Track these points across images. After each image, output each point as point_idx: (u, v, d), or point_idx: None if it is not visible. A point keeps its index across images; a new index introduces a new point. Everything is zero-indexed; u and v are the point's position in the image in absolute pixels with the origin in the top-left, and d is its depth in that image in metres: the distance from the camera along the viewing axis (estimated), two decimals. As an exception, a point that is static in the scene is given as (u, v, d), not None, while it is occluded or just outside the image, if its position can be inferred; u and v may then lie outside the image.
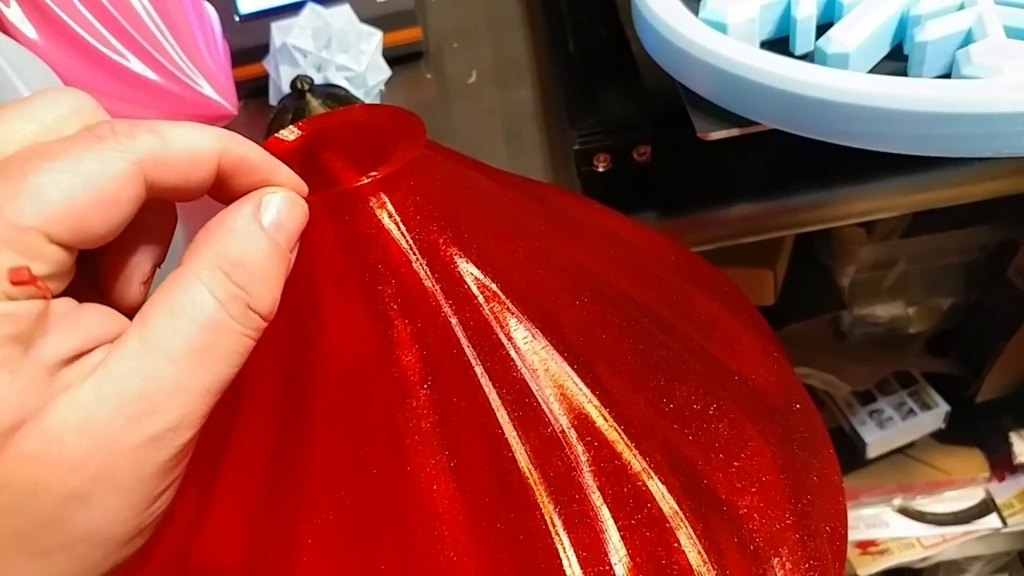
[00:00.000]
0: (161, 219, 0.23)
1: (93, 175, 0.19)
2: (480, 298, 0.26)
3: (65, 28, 0.46)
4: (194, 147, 0.21)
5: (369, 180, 0.25)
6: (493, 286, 0.26)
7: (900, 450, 0.90)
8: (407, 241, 0.25)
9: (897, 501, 0.91)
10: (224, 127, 0.53)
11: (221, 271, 0.21)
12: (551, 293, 0.27)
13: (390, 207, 0.25)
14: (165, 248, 0.24)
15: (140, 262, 0.23)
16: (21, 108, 0.21)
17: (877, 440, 0.87)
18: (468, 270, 0.26)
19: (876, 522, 0.90)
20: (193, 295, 0.20)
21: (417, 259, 0.25)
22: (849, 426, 0.89)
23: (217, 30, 0.54)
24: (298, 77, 0.46)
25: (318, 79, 0.53)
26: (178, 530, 0.27)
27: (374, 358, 0.25)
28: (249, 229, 0.22)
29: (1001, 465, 0.89)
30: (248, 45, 0.56)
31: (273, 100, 0.56)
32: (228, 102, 0.52)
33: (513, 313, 0.26)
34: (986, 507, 0.90)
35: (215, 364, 0.20)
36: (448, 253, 0.26)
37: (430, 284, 0.25)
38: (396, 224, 0.25)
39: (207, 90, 0.51)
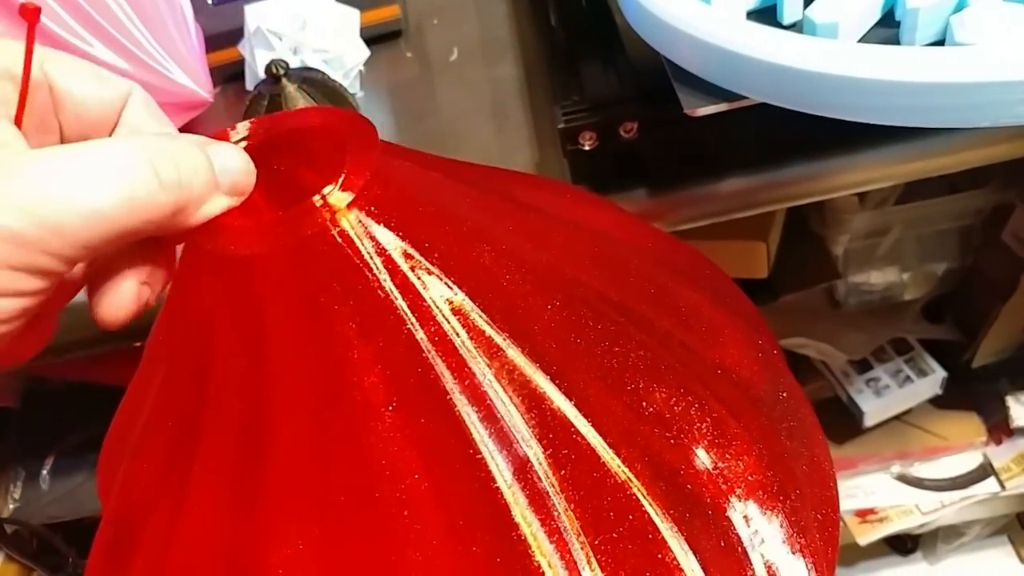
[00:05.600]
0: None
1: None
2: (445, 311, 0.24)
3: (25, 16, 0.45)
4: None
5: (322, 195, 0.24)
6: (458, 297, 0.25)
7: (897, 417, 0.90)
8: (363, 256, 0.24)
9: (895, 468, 0.91)
10: (201, 115, 0.52)
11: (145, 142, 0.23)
12: (521, 299, 0.26)
13: (345, 221, 0.24)
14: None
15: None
16: None
17: (874, 408, 0.87)
18: (431, 282, 0.24)
19: (875, 490, 0.90)
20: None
21: (375, 275, 0.24)
22: (846, 395, 0.89)
23: (189, 14, 0.52)
24: (273, 62, 0.45)
25: (294, 62, 0.51)
26: (148, 557, 0.26)
27: (332, 382, 0.24)
28: (182, 136, 0.24)
29: (998, 429, 0.90)
30: (222, 29, 0.55)
31: (250, 85, 0.54)
32: (203, 89, 0.51)
33: (482, 324, 0.25)
34: (984, 471, 0.90)
35: (99, 187, 0.21)
36: (409, 266, 0.24)
37: (391, 301, 0.24)
38: (353, 239, 0.24)
39: (180, 77, 0.49)
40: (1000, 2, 0.30)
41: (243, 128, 0.27)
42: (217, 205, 0.24)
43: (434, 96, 0.57)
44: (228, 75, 0.57)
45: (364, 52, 0.54)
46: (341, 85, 0.50)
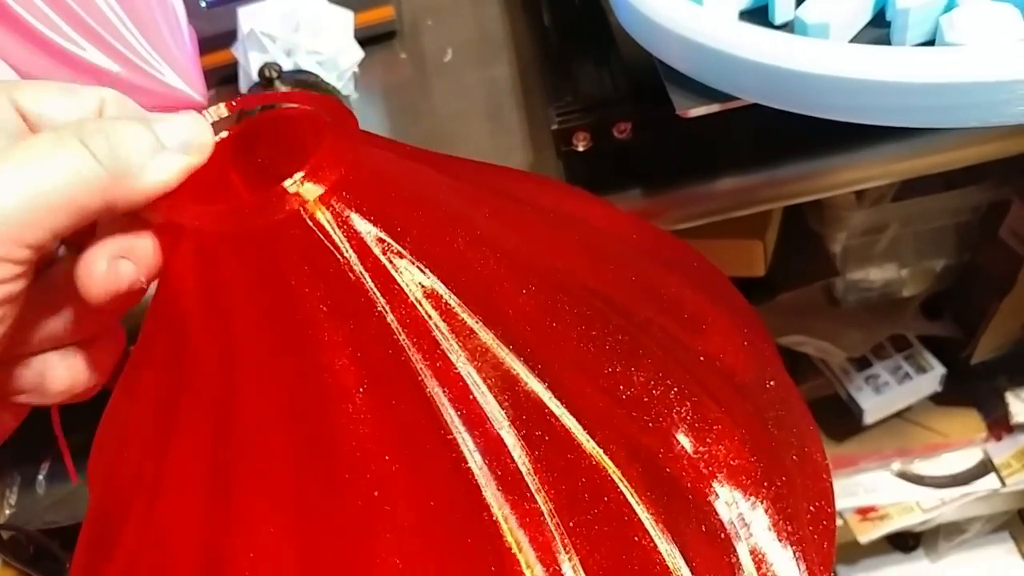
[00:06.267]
0: None
1: None
2: (417, 294, 0.24)
3: (12, 15, 0.44)
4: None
5: (293, 180, 0.24)
6: (430, 280, 0.25)
7: (897, 414, 0.90)
8: (336, 239, 0.24)
9: (896, 465, 0.91)
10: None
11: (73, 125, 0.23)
12: (495, 283, 0.26)
13: (316, 204, 0.24)
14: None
15: None
16: None
17: (874, 406, 0.87)
18: (403, 265, 0.24)
19: (875, 487, 0.90)
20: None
21: (347, 258, 0.24)
22: (846, 393, 0.88)
23: (182, 17, 0.52)
24: (266, 65, 0.45)
25: (288, 64, 0.51)
26: (127, 546, 0.26)
27: (303, 364, 0.24)
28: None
29: (998, 425, 0.89)
30: (216, 31, 0.55)
31: (243, 88, 0.54)
32: (196, 92, 0.51)
33: (454, 307, 0.25)
34: (984, 468, 0.90)
35: (35, 174, 0.22)
36: (380, 249, 0.24)
37: (361, 284, 0.24)
38: (323, 222, 0.24)
39: (173, 80, 0.49)
40: (989, 2, 0.30)
41: (220, 109, 0.27)
42: (169, 164, 0.24)
43: (429, 97, 0.57)
44: (221, 77, 0.57)
45: (358, 53, 0.54)
46: (335, 87, 0.50)
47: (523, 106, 0.54)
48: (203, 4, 0.56)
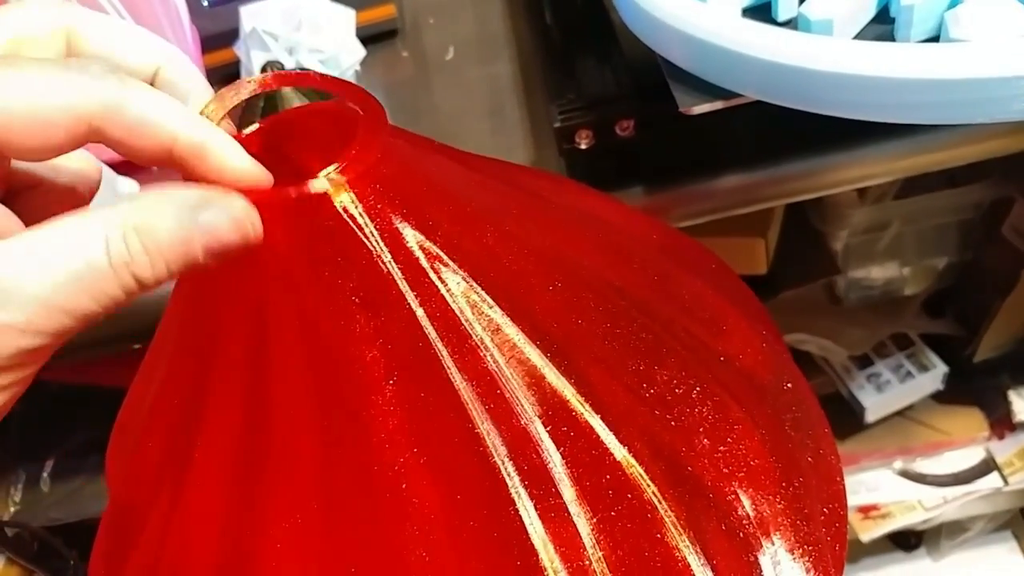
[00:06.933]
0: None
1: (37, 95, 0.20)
2: (447, 288, 0.25)
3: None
4: (149, 118, 0.22)
5: (327, 172, 0.24)
6: (459, 275, 0.25)
7: (899, 413, 0.90)
8: (368, 232, 0.24)
9: (898, 464, 0.90)
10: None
11: (123, 233, 0.21)
12: (522, 279, 0.26)
13: (350, 197, 0.24)
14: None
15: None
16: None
17: (876, 404, 0.87)
18: (433, 259, 0.25)
19: (877, 486, 0.90)
20: (92, 236, 0.21)
21: (379, 250, 0.24)
22: (847, 391, 0.88)
23: (185, 16, 0.52)
24: (268, 63, 0.45)
25: (290, 63, 0.51)
26: (151, 537, 0.26)
27: (335, 354, 0.24)
28: (179, 215, 0.21)
29: (1001, 424, 0.89)
30: (218, 30, 0.55)
31: (245, 86, 0.54)
32: (199, 90, 0.51)
33: (482, 302, 0.25)
34: (987, 466, 0.89)
35: (80, 295, 0.20)
36: (411, 243, 0.24)
37: (394, 276, 0.24)
38: (356, 215, 0.24)
39: (176, 79, 0.49)
40: (994, -2, 0.30)
41: (250, 86, 0.26)
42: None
43: (430, 95, 0.57)
44: (223, 76, 0.56)
45: (360, 52, 0.54)
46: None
47: (525, 104, 0.54)
48: (205, 3, 0.56)
